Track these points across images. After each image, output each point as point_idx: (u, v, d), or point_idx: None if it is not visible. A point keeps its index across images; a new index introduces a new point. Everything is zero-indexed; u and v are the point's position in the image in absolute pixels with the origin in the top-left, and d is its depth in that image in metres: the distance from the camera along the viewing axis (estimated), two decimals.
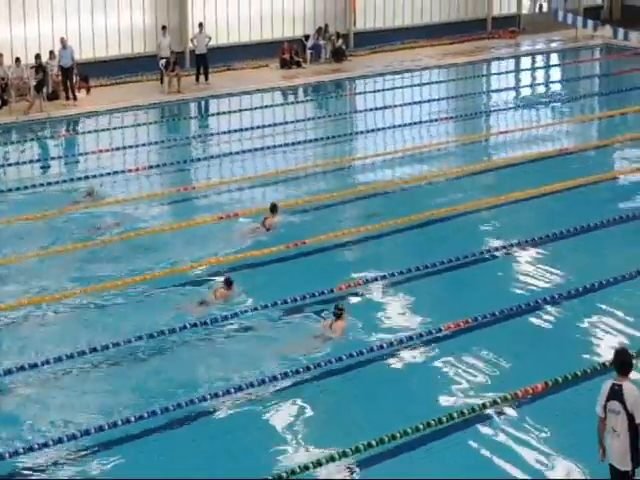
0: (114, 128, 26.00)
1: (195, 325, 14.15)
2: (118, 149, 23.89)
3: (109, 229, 18.15)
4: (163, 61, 28.87)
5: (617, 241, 17.84)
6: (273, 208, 17.92)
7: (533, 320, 14.55)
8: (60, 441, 11.37)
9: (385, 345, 13.56)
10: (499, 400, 12.09)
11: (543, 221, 18.69)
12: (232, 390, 12.36)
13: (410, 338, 13.79)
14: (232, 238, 17.55)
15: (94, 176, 21.47)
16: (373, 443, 11.12)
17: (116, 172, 21.82)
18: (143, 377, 13.05)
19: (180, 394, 12.35)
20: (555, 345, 13.86)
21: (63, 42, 27.66)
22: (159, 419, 11.88)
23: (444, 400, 12.35)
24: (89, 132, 25.78)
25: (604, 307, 14.96)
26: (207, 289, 15.42)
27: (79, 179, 21.47)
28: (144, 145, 24.39)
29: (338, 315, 13.94)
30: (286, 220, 18.31)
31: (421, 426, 11.45)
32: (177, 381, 12.82)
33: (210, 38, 30.00)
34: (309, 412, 12.13)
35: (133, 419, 11.74)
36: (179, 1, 31.16)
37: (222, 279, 15.24)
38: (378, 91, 29.73)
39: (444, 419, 11.64)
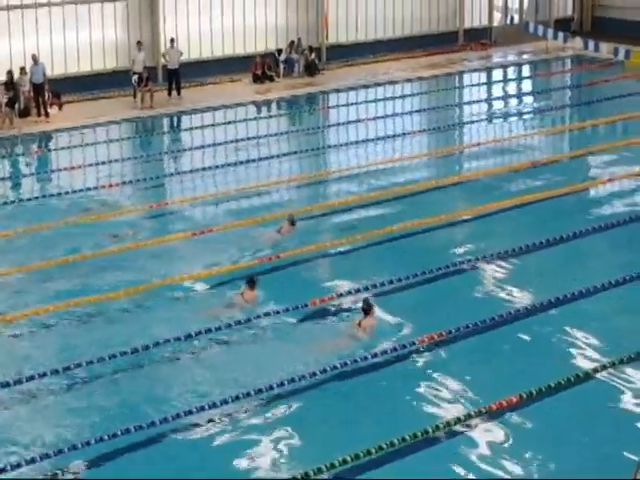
0: (86, 144, 25.88)
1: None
2: (91, 165, 23.78)
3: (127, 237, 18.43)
4: (136, 76, 28.81)
5: (591, 252, 17.95)
6: (292, 221, 18.12)
7: (507, 332, 14.56)
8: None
9: (359, 359, 13.53)
10: (473, 414, 12.10)
11: (516, 233, 18.74)
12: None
13: (385, 352, 13.77)
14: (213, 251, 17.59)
15: (66, 192, 21.38)
16: (360, 454, 11.12)
17: (89, 188, 21.73)
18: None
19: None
20: (530, 357, 13.86)
21: (34, 58, 27.55)
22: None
23: (419, 414, 12.32)
24: (61, 149, 25.66)
25: (578, 318, 15.00)
26: (231, 293, 15.61)
27: (51, 196, 21.37)
28: (117, 161, 24.27)
29: (366, 311, 13.89)
30: (260, 232, 18.37)
31: (396, 441, 11.43)
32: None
33: (182, 53, 30.01)
34: (283, 430, 12.10)
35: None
36: (151, 16, 31.12)
37: (245, 281, 15.38)
38: (351, 104, 29.82)
39: (419, 434, 11.61)
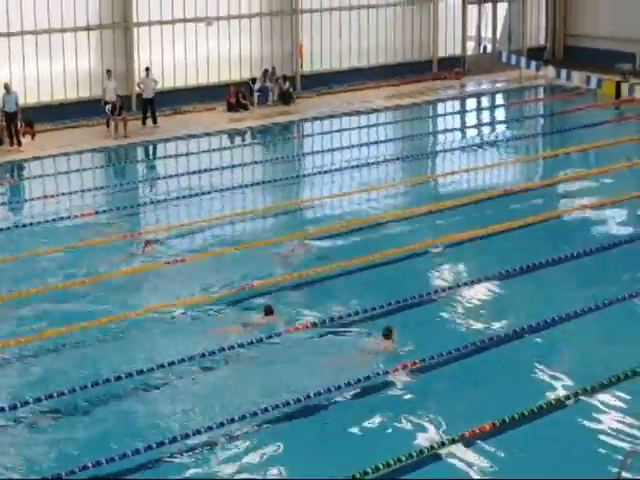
0: (59, 173, 25.76)
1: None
2: (64, 194, 23.66)
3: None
4: (109, 105, 28.79)
5: (563, 280, 17.98)
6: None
7: (481, 360, 14.57)
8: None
9: (333, 389, 13.49)
10: (447, 442, 12.06)
11: (490, 261, 18.77)
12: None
13: (358, 380, 13.72)
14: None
15: (39, 222, 21.27)
16: None
17: (62, 218, 21.62)
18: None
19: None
20: (503, 385, 13.89)
21: (7, 87, 27.48)
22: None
23: (390, 443, 12.27)
24: (34, 178, 25.55)
25: (551, 346, 15.05)
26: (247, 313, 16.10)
27: (24, 226, 21.24)
28: (90, 190, 24.17)
29: (387, 336, 14.62)
30: (235, 262, 18.35)
31: (369, 469, 11.36)
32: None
33: (157, 82, 30.04)
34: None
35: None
36: (125, 45, 31.14)
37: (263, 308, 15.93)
38: (326, 133, 29.92)
39: (392, 462, 11.56)
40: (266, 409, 12.87)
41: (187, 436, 12.28)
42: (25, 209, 23.31)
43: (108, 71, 29.55)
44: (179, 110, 31.42)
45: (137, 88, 30.22)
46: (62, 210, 22.38)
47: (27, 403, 13.19)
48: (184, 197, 23.22)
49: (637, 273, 18.11)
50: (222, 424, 12.54)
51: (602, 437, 12.38)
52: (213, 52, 32.79)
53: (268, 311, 15.85)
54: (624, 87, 32.70)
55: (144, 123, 29.66)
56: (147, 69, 29.89)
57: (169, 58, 31.89)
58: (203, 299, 16.74)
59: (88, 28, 30.49)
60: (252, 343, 14.95)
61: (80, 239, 20.01)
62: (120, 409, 13.32)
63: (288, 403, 13.01)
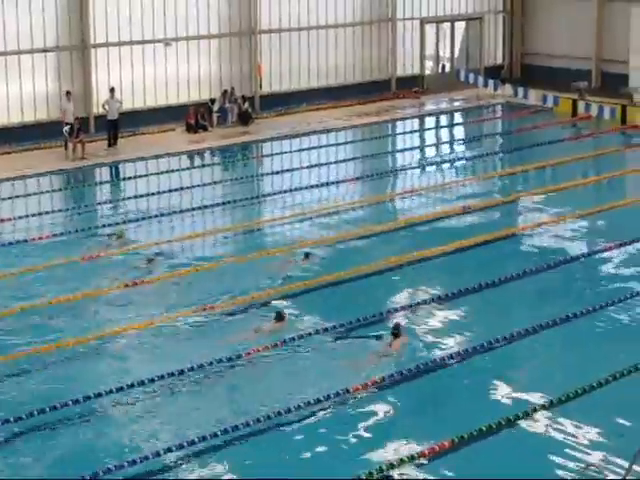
0: (16, 196, 25.53)
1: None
2: (20, 217, 23.47)
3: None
4: (67, 127, 28.63)
5: (522, 296, 18.10)
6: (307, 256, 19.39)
7: (439, 377, 14.60)
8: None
9: (293, 408, 13.44)
10: (406, 459, 12.05)
11: (449, 278, 18.86)
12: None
13: (318, 400, 13.69)
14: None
15: None
16: None
17: (18, 241, 21.44)
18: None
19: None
20: (461, 402, 13.92)
21: None
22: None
23: (350, 461, 12.25)
24: None
25: (510, 363, 15.14)
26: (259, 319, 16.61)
27: None
28: (47, 213, 23.97)
29: (395, 334, 15.17)
30: (195, 282, 18.41)
31: None
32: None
33: (121, 103, 29.94)
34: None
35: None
36: (83, 67, 31.01)
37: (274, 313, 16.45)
38: (285, 153, 29.90)
39: None
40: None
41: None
42: None
43: (68, 92, 29.41)
44: (138, 131, 31.31)
45: (102, 109, 30.00)
46: (18, 233, 22.17)
47: None
48: (142, 219, 23.10)
49: (596, 288, 18.28)
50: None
51: (560, 452, 12.42)
52: (172, 73, 32.75)
53: (279, 317, 16.32)
54: (580, 105, 33.04)
55: (109, 145, 29.53)
56: (112, 90, 29.78)
57: (128, 79, 31.80)
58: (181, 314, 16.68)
59: (45, 50, 30.34)
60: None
61: (32, 262, 19.89)
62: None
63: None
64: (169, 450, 12.42)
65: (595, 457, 12.20)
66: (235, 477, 12.05)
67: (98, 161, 28.53)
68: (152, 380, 14.34)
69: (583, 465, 11.70)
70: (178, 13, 32.59)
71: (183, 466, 12.26)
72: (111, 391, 14.04)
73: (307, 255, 19.62)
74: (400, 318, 16.63)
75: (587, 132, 31.88)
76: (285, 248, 20.59)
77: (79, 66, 31.03)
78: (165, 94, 32.63)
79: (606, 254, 20.03)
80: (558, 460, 12.24)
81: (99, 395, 13.92)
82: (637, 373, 14.43)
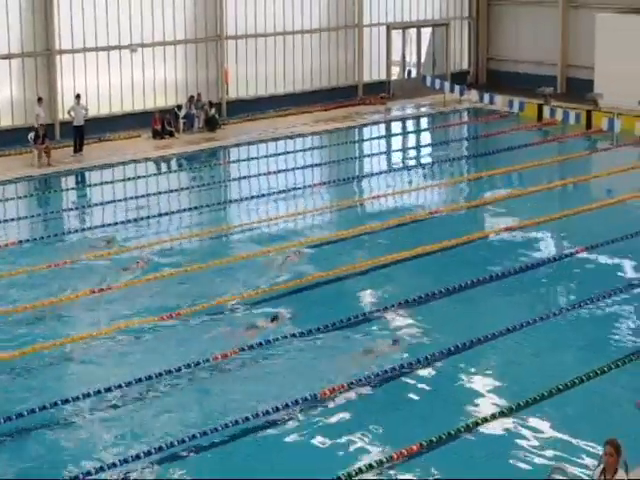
0: None
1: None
2: None
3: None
4: (32, 134, 28.44)
5: (488, 300, 18.17)
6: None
7: (408, 381, 14.62)
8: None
9: (262, 413, 13.41)
10: (375, 464, 12.05)
11: (417, 282, 18.90)
12: None
13: (286, 405, 13.66)
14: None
15: None
16: None
17: None
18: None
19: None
20: (429, 405, 13.96)
21: None
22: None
23: (316, 466, 12.26)
24: None
25: (478, 365, 15.16)
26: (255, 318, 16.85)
27: None
28: (13, 220, 23.80)
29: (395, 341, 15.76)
30: (162, 288, 18.39)
31: None
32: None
33: (87, 109, 29.78)
34: None
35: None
36: (48, 73, 30.83)
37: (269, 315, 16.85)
38: (252, 159, 29.85)
39: None
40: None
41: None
42: None
43: (39, 99, 29.27)
44: (104, 138, 31.16)
45: (67, 115, 29.83)
46: None
47: None
48: (109, 225, 22.98)
49: (561, 292, 18.40)
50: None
51: (529, 453, 12.50)
52: (138, 79, 32.64)
53: (274, 318, 16.74)
54: (546, 110, 33.28)
55: (75, 151, 29.36)
56: (78, 96, 29.62)
57: (93, 85, 31.64)
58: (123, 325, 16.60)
59: (9, 56, 30.14)
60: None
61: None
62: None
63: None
64: (137, 457, 12.35)
65: (563, 457, 12.26)
66: None
67: (64, 167, 28.35)
68: (119, 386, 14.28)
69: (545, 467, 11.73)
70: (144, 19, 32.51)
71: (148, 470, 12.21)
72: (87, 395, 14.08)
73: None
74: (369, 321, 16.69)
75: (552, 137, 32.10)
76: (251, 254, 20.54)
77: (44, 72, 30.85)
78: (131, 100, 32.51)
79: (572, 258, 20.17)
80: (521, 463, 12.32)
81: (66, 401, 13.86)
82: (599, 377, 14.52)
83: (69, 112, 29.70)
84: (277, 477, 12.07)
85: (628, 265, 19.73)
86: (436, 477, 11.95)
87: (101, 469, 12.09)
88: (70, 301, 18.00)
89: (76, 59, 31.35)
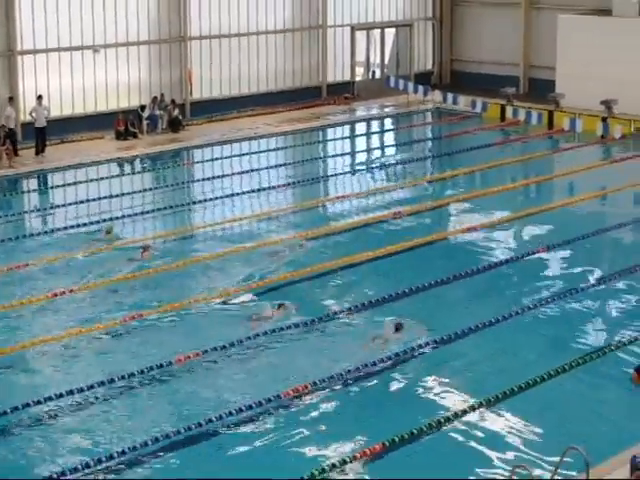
0: None
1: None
2: None
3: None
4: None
5: (454, 299, 18.23)
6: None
7: (373, 382, 14.65)
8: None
9: (224, 415, 13.39)
10: (338, 464, 12.06)
11: (381, 283, 18.94)
12: None
13: (250, 407, 13.65)
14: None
15: None
16: None
17: None
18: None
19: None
20: (395, 403, 13.99)
21: None
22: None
23: (278, 467, 12.26)
24: None
25: (442, 365, 15.21)
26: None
27: None
28: None
29: (397, 329, 16.04)
30: (127, 290, 18.41)
31: None
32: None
33: (49, 110, 29.58)
34: None
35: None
36: (9, 73, 30.56)
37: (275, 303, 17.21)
38: (216, 159, 29.78)
39: None
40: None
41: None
42: None
43: (10, 98, 29.21)
44: (67, 139, 30.94)
45: (29, 117, 29.58)
46: None
47: None
48: (71, 227, 22.82)
49: (525, 290, 18.49)
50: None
51: (492, 451, 12.56)
52: (101, 80, 32.41)
53: (280, 306, 17.12)
54: (509, 110, 33.48)
55: (37, 153, 29.13)
56: (39, 97, 29.39)
57: (56, 86, 31.40)
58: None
59: None
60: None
61: None
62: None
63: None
64: (99, 461, 12.30)
65: (525, 456, 12.33)
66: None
67: (25, 169, 28.11)
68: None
69: (513, 464, 11.78)
70: (107, 19, 32.30)
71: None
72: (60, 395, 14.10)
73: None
74: (335, 322, 16.74)
75: (515, 137, 32.30)
76: (215, 254, 20.50)
77: (6, 73, 30.55)
78: (94, 101, 32.29)
79: (535, 257, 20.30)
80: (489, 459, 12.38)
81: (39, 402, 13.87)
82: (566, 373, 14.64)
83: (31, 113, 29.45)
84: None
85: (589, 264, 19.88)
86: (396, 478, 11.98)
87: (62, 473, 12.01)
88: (32, 304, 17.85)
89: (38, 60, 31.09)
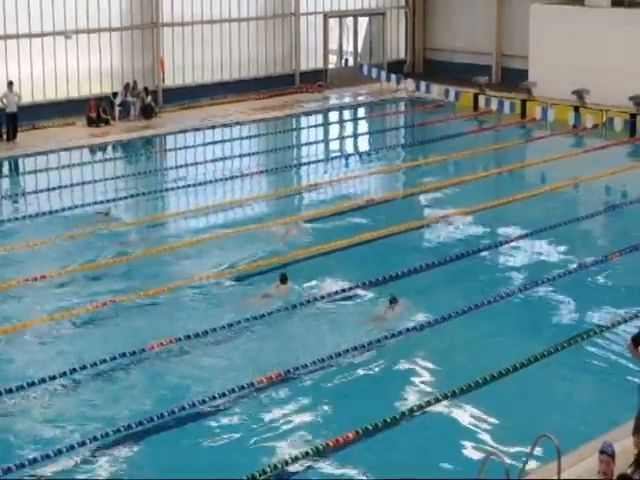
0: None
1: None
2: None
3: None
4: None
5: (426, 287, 18.26)
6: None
7: (346, 369, 14.66)
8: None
9: (208, 399, 13.38)
10: (311, 452, 12.08)
11: (353, 271, 18.92)
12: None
13: (223, 394, 13.63)
14: None
15: None
16: None
17: None
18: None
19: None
20: (367, 393, 14.01)
21: None
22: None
23: (252, 454, 12.26)
24: None
25: (416, 354, 15.24)
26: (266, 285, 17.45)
27: None
28: None
29: (392, 302, 16.23)
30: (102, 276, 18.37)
31: None
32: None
33: (20, 96, 29.35)
34: None
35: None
36: None
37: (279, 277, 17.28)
38: (189, 147, 29.68)
39: (257, 475, 11.51)
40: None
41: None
42: None
43: (10, 83, 29.03)
44: (38, 125, 30.73)
45: (0, 103, 29.34)
46: None
47: None
48: (43, 214, 22.67)
49: (498, 279, 18.58)
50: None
51: (464, 439, 12.62)
52: (73, 66, 32.19)
53: (283, 280, 17.10)
54: (481, 99, 33.57)
55: (8, 139, 28.91)
56: (10, 83, 29.17)
57: (27, 72, 31.15)
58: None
59: None
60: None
61: None
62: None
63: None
64: (71, 447, 12.26)
65: (497, 444, 12.39)
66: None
67: None
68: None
69: (485, 451, 11.84)
70: (79, 5, 32.06)
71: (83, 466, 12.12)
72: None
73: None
74: (307, 310, 16.75)
75: (488, 126, 32.40)
76: (187, 242, 20.44)
77: None
78: (66, 87, 32.07)
79: (508, 245, 20.39)
80: (461, 447, 12.44)
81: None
82: (538, 362, 14.71)
83: (1, 99, 29.21)
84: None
85: (563, 251, 20.01)
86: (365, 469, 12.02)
87: (34, 460, 11.98)
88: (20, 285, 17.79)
89: (9, 45, 30.82)
